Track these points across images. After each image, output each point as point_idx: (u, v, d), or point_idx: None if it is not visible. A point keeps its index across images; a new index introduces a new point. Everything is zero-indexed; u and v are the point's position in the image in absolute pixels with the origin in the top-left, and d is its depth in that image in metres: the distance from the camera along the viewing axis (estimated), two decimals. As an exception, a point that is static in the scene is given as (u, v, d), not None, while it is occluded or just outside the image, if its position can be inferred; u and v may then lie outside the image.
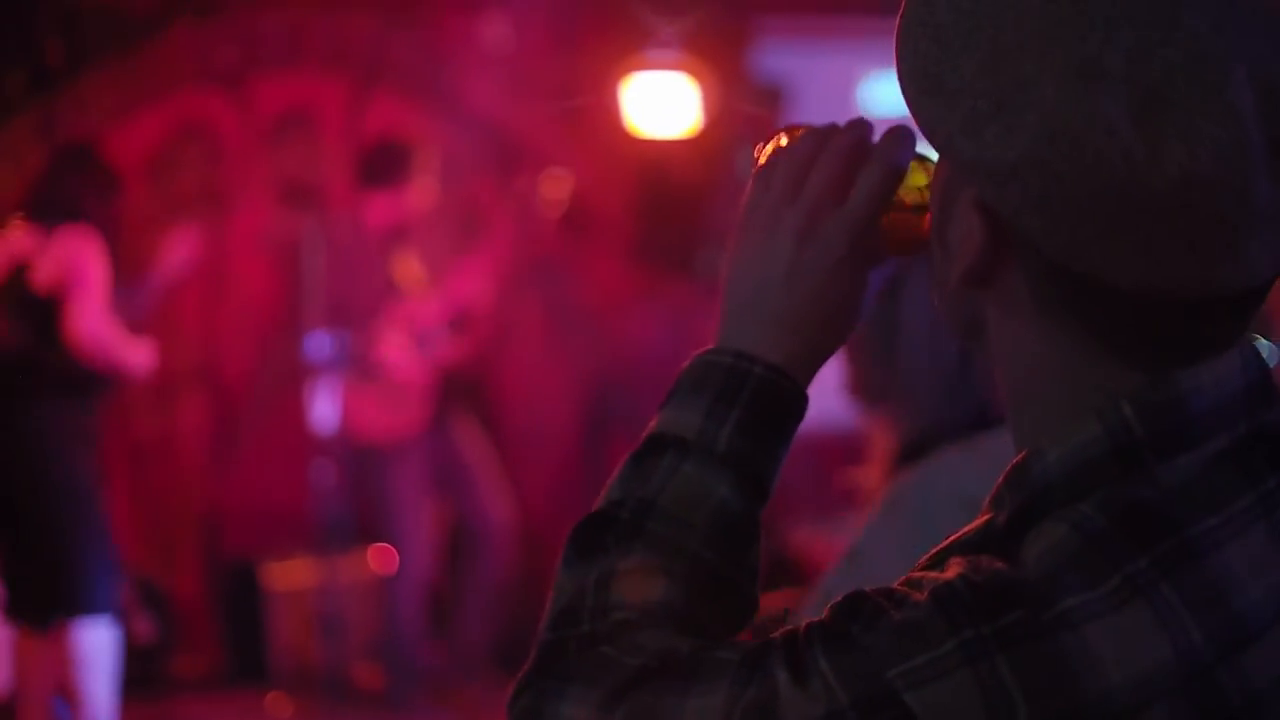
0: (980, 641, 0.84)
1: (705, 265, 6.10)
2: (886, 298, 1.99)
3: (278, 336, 6.24)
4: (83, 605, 4.45)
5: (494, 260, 5.83)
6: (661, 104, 5.52)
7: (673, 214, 6.43)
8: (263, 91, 6.41)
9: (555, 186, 5.85)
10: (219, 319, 6.41)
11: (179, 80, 6.23)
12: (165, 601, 6.02)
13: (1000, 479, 0.93)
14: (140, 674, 5.40)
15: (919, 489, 1.98)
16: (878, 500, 2.05)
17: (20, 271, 4.49)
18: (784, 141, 1.08)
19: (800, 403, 1.04)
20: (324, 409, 5.74)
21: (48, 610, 4.49)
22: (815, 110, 6.16)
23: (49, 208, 4.58)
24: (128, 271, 4.77)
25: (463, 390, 6.08)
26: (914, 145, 1.04)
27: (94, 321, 4.45)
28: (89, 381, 4.54)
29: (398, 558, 5.83)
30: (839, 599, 0.90)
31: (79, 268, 4.46)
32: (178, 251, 4.93)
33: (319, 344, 5.70)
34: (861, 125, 1.06)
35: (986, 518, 0.93)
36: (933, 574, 0.89)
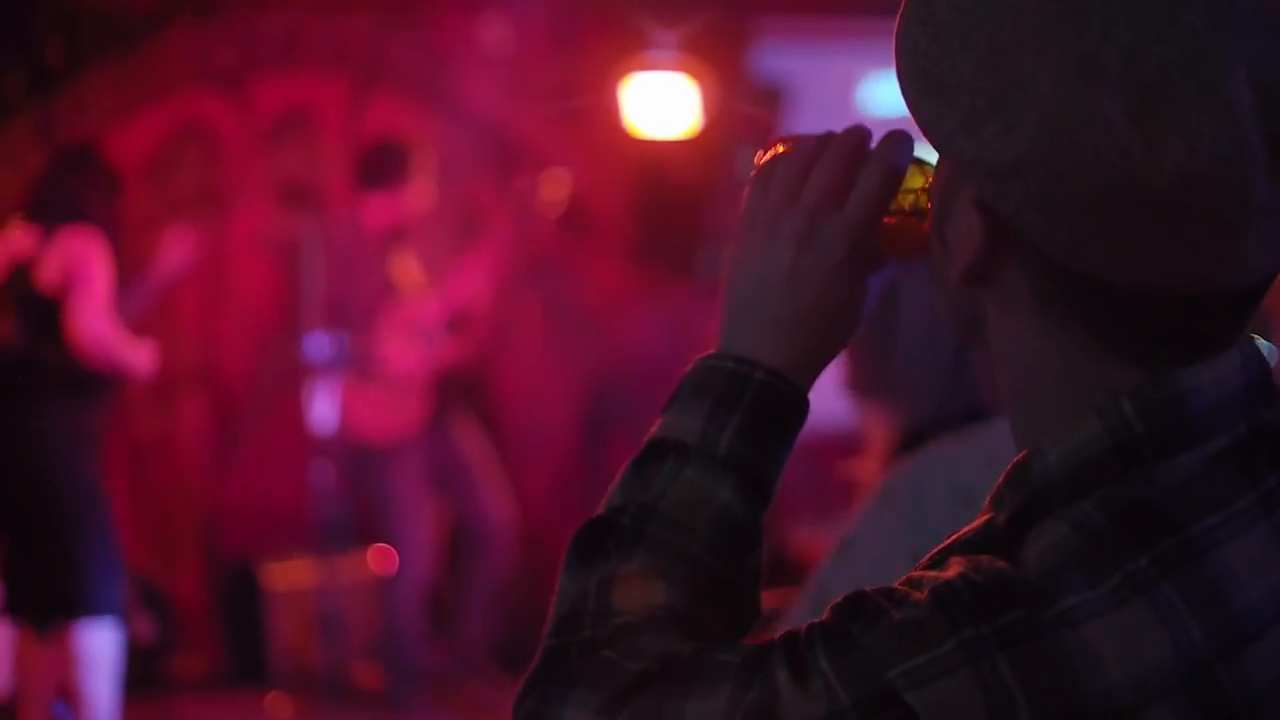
0: (981, 641, 0.84)
1: (705, 265, 6.11)
2: (885, 293, 2.00)
3: (277, 337, 6.24)
4: (86, 606, 4.45)
5: (493, 260, 5.83)
6: (661, 104, 5.52)
7: (672, 214, 6.44)
8: (262, 92, 6.42)
9: (555, 187, 5.85)
10: (219, 319, 6.41)
11: (179, 81, 6.23)
12: (165, 602, 6.02)
13: (1000, 478, 0.94)
14: (140, 674, 5.40)
15: (912, 480, 1.98)
16: (870, 491, 2.06)
17: (24, 271, 4.49)
18: (781, 150, 1.08)
19: (801, 407, 1.04)
20: (323, 409, 5.74)
21: (50, 611, 4.49)
22: (815, 110, 6.17)
23: (49, 208, 4.58)
24: (127, 272, 4.77)
25: (462, 390, 6.09)
26: (912, 149, 1.05)
27: (96, 321, 4.45)
28: (92, 382, 4.54)
29: (397, 558, 5.83)
30: (840, 600, 0.90)
31: (83, 267, 4.45)
32: (172, 253, 4.92)
33: (318, 344, 5.70)
34: (859, 130, 1.06)
35: (987, 517, 0.93)
36: (933, 573, 0.89)
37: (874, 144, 1.06)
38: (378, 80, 6.48)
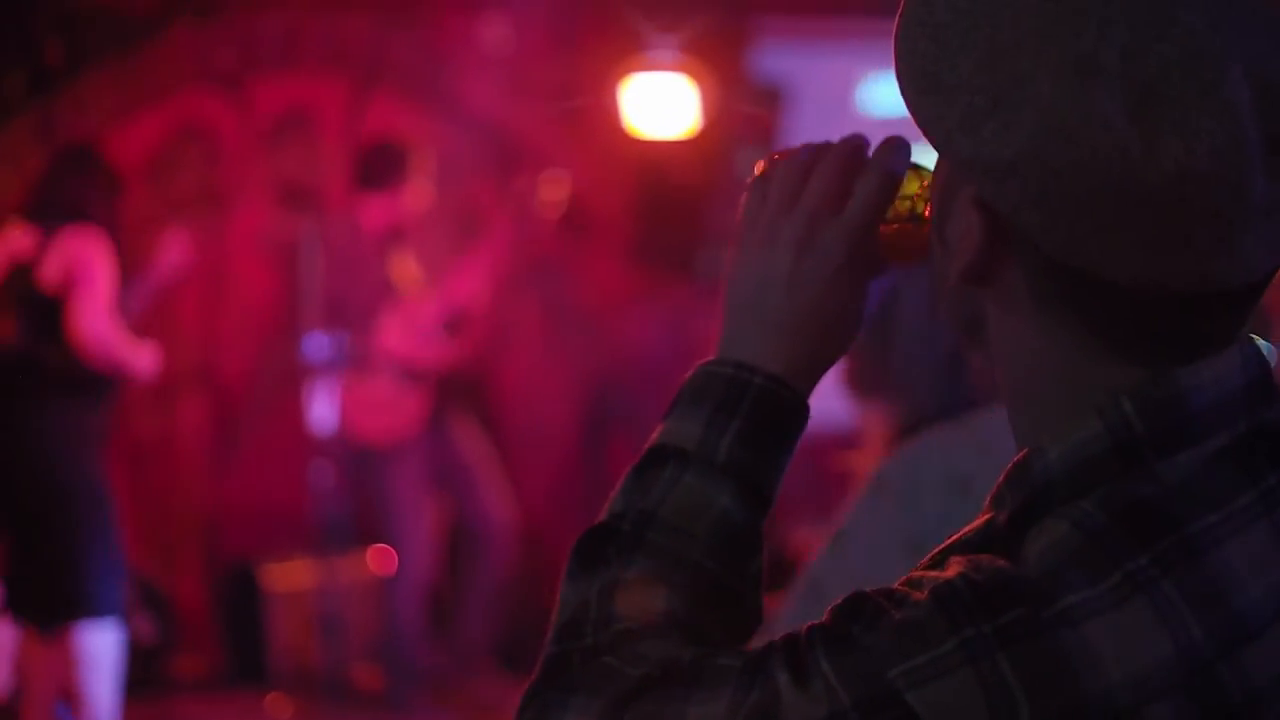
0: (981, 640, 0.84)
1: (705, 266, 6.10)
2: (884, 294, 2.00)
3: (277, 337, 6.24)
4: (87, 607, 4.45)
5: (493, 261, 5.83)
6: (661, 104, 5.53)
7: (672, 215, 6.43)
8: (262, 92, 6.42)
9: (554, 187, 5.85)
10: (218, 319, 6.41)
11: (178, 81, 6.23)
12: (165, 602, 6.02)
13: (1000, 477, 0.94)
14: (140, 675, 5.39)
15: (905, 468, 1.99)
16: (864, 481, 2.06)
17: (25, 271, 4.49)
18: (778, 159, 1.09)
19: (801, 412, 1.05)
20: (323, 410, 5.74)
21: (52, 612, 4.49)
22: (815, 111, 6.16)
23: (50, 209, 4.58)
24: (128, 272, 4.77)
25: (462, 390, 6.09)
26: (909, 155, 1.06)
27: (97, 322, 4.45)
28: (93, 382, 4.54)
29: (397, 558, 5.83)
30: (839, 600, 0.90)
31: (84, 267, 4.45)
32: (169, 255, 4.92)
33: (318, 345, 5.70)
34: (857, 137, 1.07)
35: (987, 516, 0.93)
36: (933, 573, 0.89)
37: (871, 150, 1.06)
38: (377, 80, 6.48)
